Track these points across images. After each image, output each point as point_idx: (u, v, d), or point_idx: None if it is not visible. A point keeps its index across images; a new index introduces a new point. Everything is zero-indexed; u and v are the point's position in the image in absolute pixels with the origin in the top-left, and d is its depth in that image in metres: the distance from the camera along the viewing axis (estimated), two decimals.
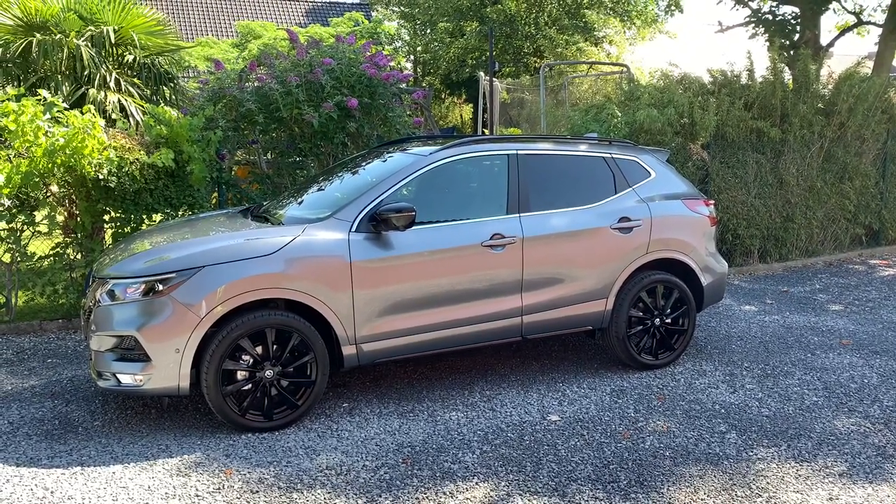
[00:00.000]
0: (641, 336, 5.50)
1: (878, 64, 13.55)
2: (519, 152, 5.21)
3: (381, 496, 3.71)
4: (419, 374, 5.43)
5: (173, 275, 4.23)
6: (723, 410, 4.79)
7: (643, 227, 5.39)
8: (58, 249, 6.72)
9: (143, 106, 8.65)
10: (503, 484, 3.83)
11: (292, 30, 8.35)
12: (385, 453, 4.17)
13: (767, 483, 3.85)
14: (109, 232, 6.89)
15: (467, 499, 3.70)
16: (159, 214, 6.91)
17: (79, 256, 6.70)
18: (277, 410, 4.46)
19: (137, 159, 6.47)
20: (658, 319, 5.52)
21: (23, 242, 6.57)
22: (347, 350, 4.59)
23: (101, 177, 6.23)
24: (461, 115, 36.14)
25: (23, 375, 5.45)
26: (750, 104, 9.47)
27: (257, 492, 3.74)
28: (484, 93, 17.84)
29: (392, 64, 8.00)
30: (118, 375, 4.30)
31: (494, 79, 18.78)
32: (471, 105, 32.05)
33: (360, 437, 4.38)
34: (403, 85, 7.96)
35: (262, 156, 8.30)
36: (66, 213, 6.81)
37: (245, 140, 7.62)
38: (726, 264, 6.04)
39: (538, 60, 24.88)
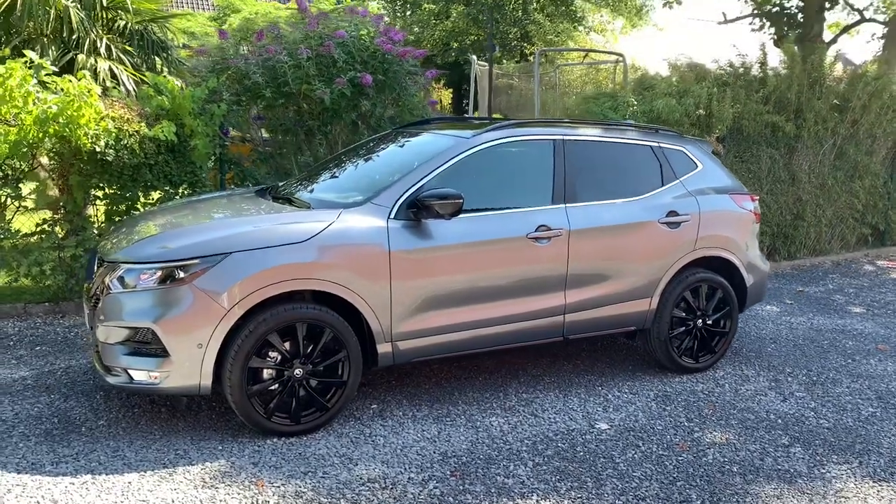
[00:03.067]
0: (683, 338, 5.18)
1: (883, 61, 13.41)
2: (565, 138, 4.83)
3: None
4: (447, 373, 5.04)
5: (196, 261, 3.78)
6: (779, 421, 4.49)
7: (691, 222, 5.05)
8: (45, 227, 6.18)
9: (135, 75, 8.10)
10: (566, 502, 3.47)
11: None
12: (430, 464, 3.78)
13: None
14: (102, 209, 6.36)
15: None
16: (157, 192, 6.41)
17: (68, 235, 6.16)
18: (306, 413, 4.05)
19: (137, 132, 5.96)
20: (700, 320, 5.20)
21: (7, 218, 6.03)
22: (383, 348, 4.19)
23: (97, 149, 5.71)
24: (440, 101, 35.62)
25: (11, 365, 4.95)
26: (767, 98, 9.19)
27: None
28: (475, 77, 17.39)
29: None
30: (130, 371, 3.84)
31: (485, 63, 18.36)
32: (450, 90, 31.53)
33: (398, 444, 3.99)
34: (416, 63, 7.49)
35: (259, 133, 7.79)
36: (56, 188, 6.26)
37: (248, 115, 7.11)
38: (768, 264, 5.74)
39: (527, 46, 24.51)
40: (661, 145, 5.20)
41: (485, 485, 3.61)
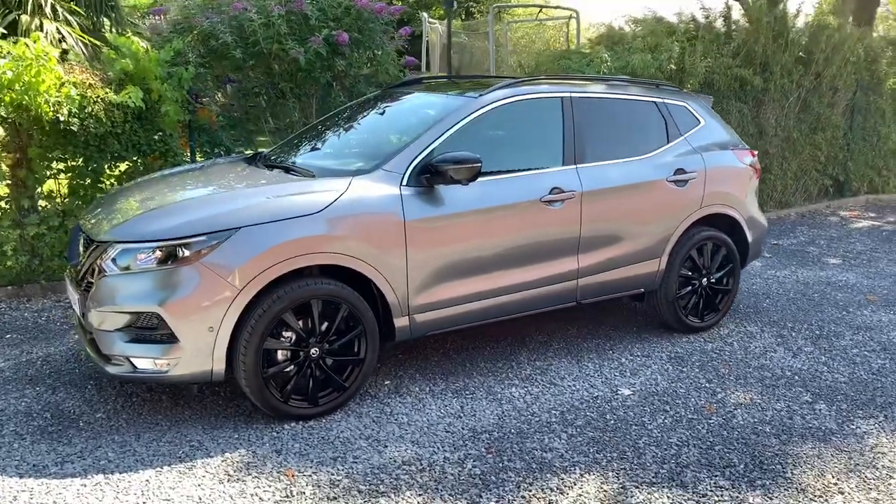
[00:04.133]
0: (689, 297, 5.11)
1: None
2: (573, 95, 4.63)
3: (482, 497, 3.17)
4: (453, 344, 4.86)
5: (203, 237, 3.48)
6: (796, 378, 4.47)
7: (697, 179, 4.95)
8: (1, 204, 5.70)
9: (83, 37, 7.54)
10: (611, 475, 3.36)
11: None
12: (462, 442, 3.62)
13: (891, 461, 3.53)
14: (64, 183, 5.91)
15: (580, 495, 3.21)
16: (124, 163, 5.98)
17: (28, 212, 5.70)
18: (323, 394, 3.82)
19: (101, 98, 5.51)
20: (705, 279, 5.13)
21: None
22: (400, 322, 3.98)
23: (61, 118, 5.26)
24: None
25: None
26: (736, 51, 9.15)
27: (336, 498, 3.12)
28: (427, 36, 16.95)
29: None
30: (133, 360, 3.54)
31: (435, 21, 17.93)
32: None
33: (423, 422, 3.81)
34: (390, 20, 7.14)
35: (215, 97, 7.33)
36: (12, 161, 5.77)
37: (214, 78, 6.67)
38: (766, 219, 5.71)
39: (473, 3, 24.05)
40: (665, 101, 5.05)
41: (523, 460, 3.46)
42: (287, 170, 4.29)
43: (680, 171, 4.87)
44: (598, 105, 4.73)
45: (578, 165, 4.50)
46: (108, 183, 5.85)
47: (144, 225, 3.62)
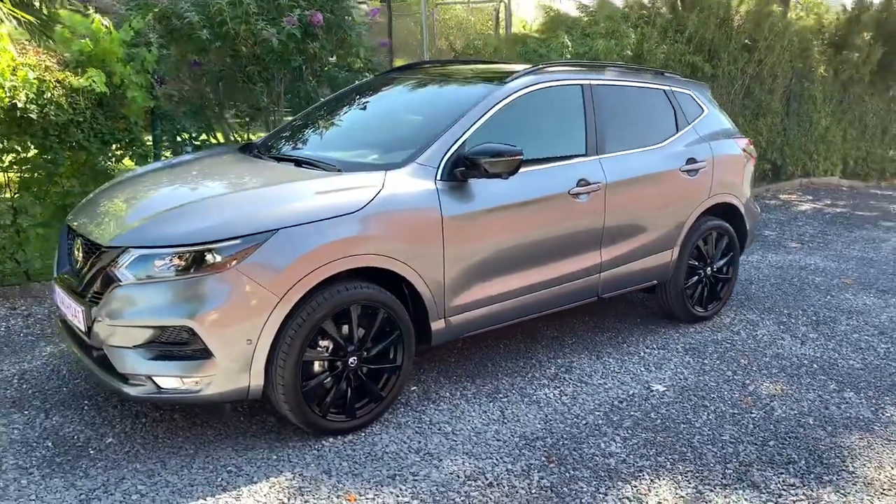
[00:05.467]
0: (695, 287, 5.08)
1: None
2: (592, 82, 4.48)
3: None
4: (465, 343, 4.61)
5: (237, 241, 3.13)
6: (814, 366, 4.51)
7: (706, 168, 4.91)
8: None
9: (14, 12, 6.82)
10: (680, 478, 3.26)
11: None
12: (518, 450, 3.43)
13: None
14: (14, 178, 5.31)
15: (659, 503, 3.08)
16: (84, 153, 5.42)
17: None
18: (359, 405, 3.54)
19: (60, 82, 4.95)
20: (709, 268, 5.12)
21: None
22: (437, 325, 3.74)
23: (18, 105, 4.69)
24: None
25: None
26: (689, 38, 9.26)
27: None
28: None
29: None
30: (157, 379, 3.16)
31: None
32: None
33: (468, 430, 3.60)
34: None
35: (159, 83, 6.78)
36: None
37: (178, 60, 6.15)
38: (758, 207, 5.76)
39: None
40: (673, 89, 4.98)
41: (588, 468, 3.31)
42: (298, 163, 3.94)
43: (691, 160, 4.81)
44: (615, 92, 4.60)
45: (601, 156, 4.36)
46: (64, 177, 5.28)
47: (166, 227, 3.23)
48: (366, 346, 3.49)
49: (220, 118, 6.32)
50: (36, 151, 5.12)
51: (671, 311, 5.06)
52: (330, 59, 6.57)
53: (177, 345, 3.12)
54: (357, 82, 5.38)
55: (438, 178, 3.67)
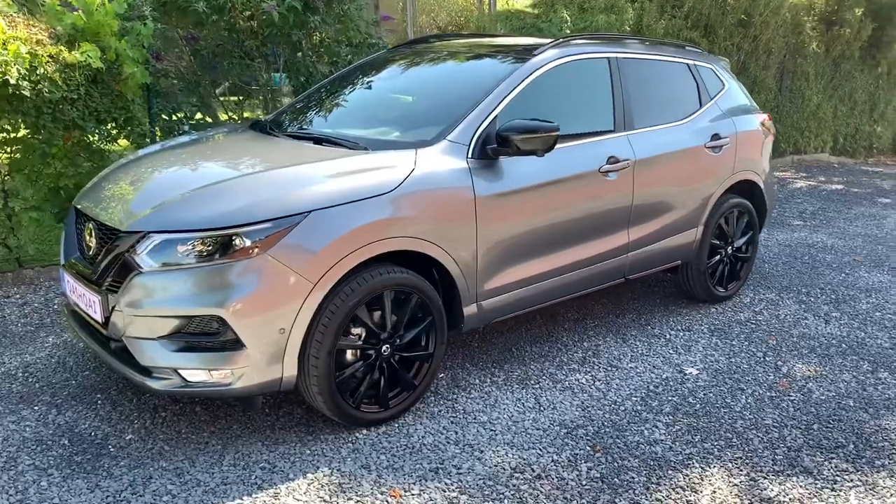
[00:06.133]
0: (716, 266, 4.98)
1: None
2: (618, 56, 4.31)
3: (615, 502, 2.86)
4: (484, 328, 4.41)
5: (267, 224, 2.93)
6: (843, 346, 4.43)
7: (730, 145, 4.78)
8: None
9: None
10: (733, 466, 3.15)
11: None
12: (560, 440, 3.30)
13: None
14: (4, 159, 5.03)
15: (714, 492, 2.97)
16: (77, 132, 5.15)
17: None
18: (392, 395, 3.38)
19: (53, 57, 4.67)
20: (730, 247, 5.01)
21: None
22: (469, 309, 3.58)
23: (10, 80, 4.41)
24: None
25: None
26: (687, 14, 9.12)
27: None
28: None
29: None
30: (183, 372, 2.96)
31: None
32: None
33: (505, 419, 3.46)
34: None
35: (156, 58, 6.44)
36: None
37: (175, 34, 5.88)
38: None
39: None
40: (696, 63, 4.84)
41: (636, 457, 3.19)
42: (318, 140, 3.74)
43: (716, 136, 4.69)
44: (640, 66, 4.44)
45: (629, 132, 4.21)
46: (56, 158, 5.02)
47: (190, 210, 3.02)
48: (398, 334, 3.32)
49: (214, 96, 6.05)
50: (27, 131, 4.85)
51: (692, 291, 4.95)
52: (330, 33, 6.32)
53: (205, 335, 2.93)
54: (368, 57, 5.14)
55: (470, 155, 3.50)
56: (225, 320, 2.87)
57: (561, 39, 4.17)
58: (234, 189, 3.12)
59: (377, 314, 3.24)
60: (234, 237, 2.92)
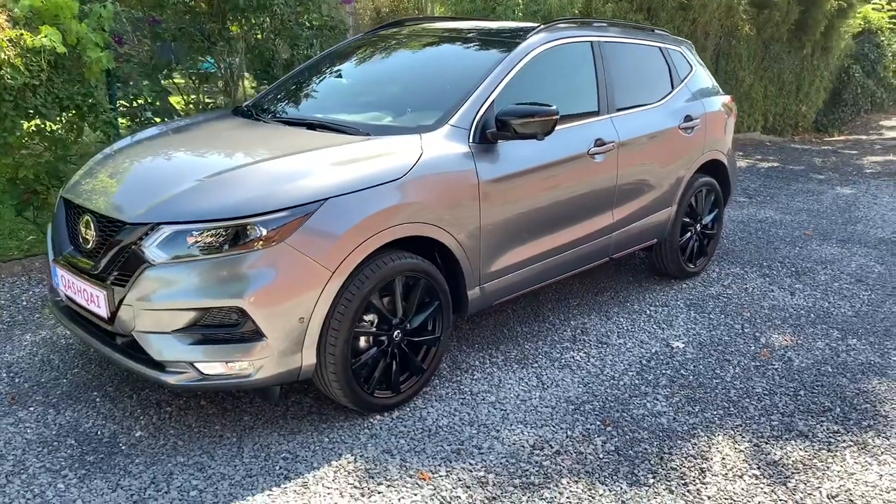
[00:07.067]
0: (687, 244, 5.16)
1: None
2: (600, 40, 4.40)
3: (636, 474, 2.98)
4: None
5: (284, 213, 2.90)
6: (811, 316, 4.68)
7: (701, 126, 4.95)
8: None
9: None
10: (737, 435, 3.31)
11: None
12: (570, 416, 3.39)
13: None
14: None
15: (724, 458, 3.12)
16: (30, 122, 4.94)
17: None
18: (402, 380, 3.41)
19: (13, 41, 4.45)
20: (699, 224, 5.21)
21: None
22: (472, 293, 3.63)
23: None
24: None
25: None
26: None
27: (496, 498, 2.79)
28: None
29: None
30: (200, 366, 2.91)
31: None
32: None
33: (512, 398, 3.53)
34: None
35: (118, 42, 6.19)
36: None
37: (131, 18, 5.66)
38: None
39: None
40: (667, 46, 4.98)
41: (645, 429, 3.31)
42: (311, 126, 3.69)
43: (688, 117, 4.85)
44: (618, 50, 4.54)
45: (612, 115, 4.31)
46: (16, 147, 4.79)
47: (203, 200, 2.95)
48: (408, 319, 3.34)
49: (172, 80, 5.87)
50: None
51: (664, 268, 5.12)
52: (292, 16, 6.21)
53: (224, 327, 2.88)
54: (345, 41, 5.08)
55: (471, 140, 3.53)
56: (245, 311, 2.83)
57: (547, 23, 4.22)
58: (245, 178, 3.06)
59: (387, 300, 3.25)
60: (248, 227, 2.87)
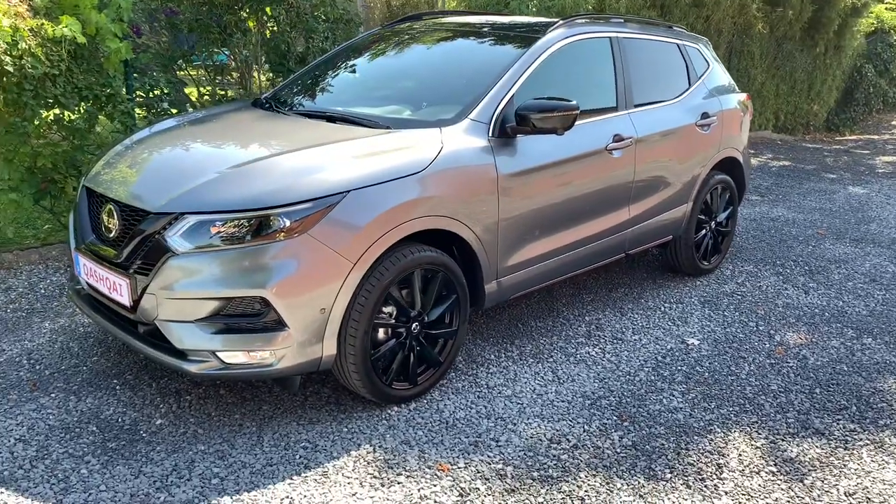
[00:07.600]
0: (702, 241, 5.16)
1: None
2: (619, 36, 4.41)
3: (654, 469, 2.99)
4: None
5: (307, 204, 2.92)
6: (826, 315, 4.68)
7: (717, 123, 4.95)
8: None
9: None
10: (753, 431, 3.31)
11: None
12: (587, 411, 3.41)
13: None
14: None
15: (741, 454, 3.13)
16: (48, 111, 4.97)
17: None
18: (420, 372, 3.43)
19: (35, 31, 4.48)
20: (713, 222, 5.21)
21: None
22: (490, 287, 3.64)
23: None
24: None
25: None
26: None
27: (515, 490, 2.81)
28: None
29: None
30: (222, 355, 2.93)
31: None
32: None
33: (529, 392, 3.54)
34: None
35: (137, 33, 6.17)
36: None
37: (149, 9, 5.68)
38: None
39: None
40: (685, 43, 4.97)
41: (660, 424, 3.32)
42: (332, 119, 3.71)
43: (705, 114, 4.85)
44: (637, 46, 4.54)
45: (630, 111, 4.32)
46: (34, 137, 4.82)
47: (226, 190, 2.97)
48: (426, 311, 3.36)
49: (186, 71, 5.89)
50: (5, 108, 4.63)
51: (678, 265, 5.12)
52: (308, 9, 6.22)
53: (246, 316, 2.90)
54: (363, 34, 5.09)
55: (490, 134, 3.54)
56: (269, 301, 2.86)
57: (567, 19, 4.23)
58: (269, 169, 3.08)
59: (405, 292, 3.27)
60: (271, 218, 2.89)
